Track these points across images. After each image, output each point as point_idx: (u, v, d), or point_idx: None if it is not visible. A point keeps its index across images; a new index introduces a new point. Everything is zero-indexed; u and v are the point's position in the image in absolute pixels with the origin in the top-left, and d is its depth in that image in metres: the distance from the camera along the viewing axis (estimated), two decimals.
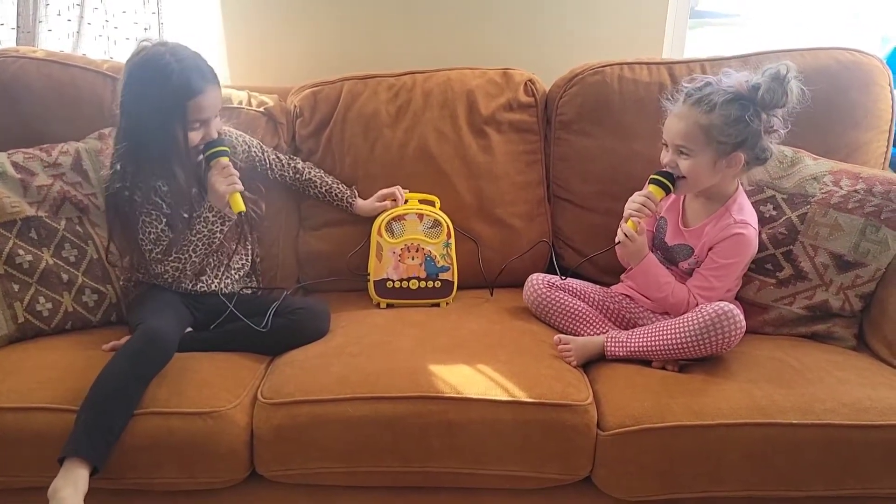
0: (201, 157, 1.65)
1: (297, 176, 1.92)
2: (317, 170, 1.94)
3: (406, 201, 1.91)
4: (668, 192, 1.62)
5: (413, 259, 1.87)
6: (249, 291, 1.81)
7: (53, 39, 2.12)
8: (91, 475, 1.33)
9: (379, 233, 1.87)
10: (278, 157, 1.91)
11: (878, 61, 1.89)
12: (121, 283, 1.75)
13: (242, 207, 1.62)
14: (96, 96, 1.88)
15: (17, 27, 2.12)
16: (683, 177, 1.60)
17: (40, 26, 2.09)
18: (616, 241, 1.63)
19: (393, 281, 1.86)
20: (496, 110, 1.96)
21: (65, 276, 1.69)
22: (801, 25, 2.79)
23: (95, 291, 1.73)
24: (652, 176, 1.63)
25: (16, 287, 1.65)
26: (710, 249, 1.64)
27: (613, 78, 1.92)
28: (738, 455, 1.39)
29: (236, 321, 1.64)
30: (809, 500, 1.45)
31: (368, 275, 1.88)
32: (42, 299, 1.67)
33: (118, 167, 1.63)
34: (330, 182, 1.93)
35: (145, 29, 2.20)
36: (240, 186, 1.62)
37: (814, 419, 1.38)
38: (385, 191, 1.91)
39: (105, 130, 1.84)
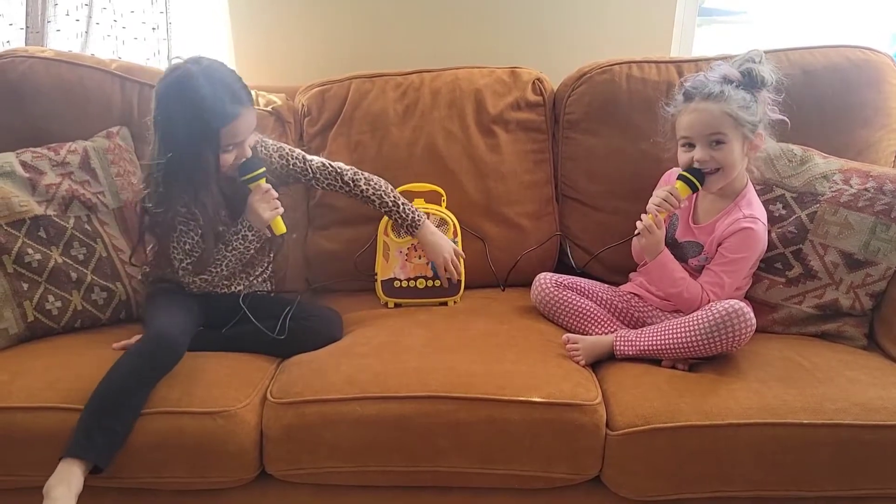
0: (242, 178, 1.62)
1: (349, 189, 1.78)
2: (374, 184, 1.78)
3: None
4: (694, 190, 1.62)
5: (420, 258, 1.86)
6: (263, 292, 1.82)
7: (62, 39, 2.12)
8: (94, 474, 1.34)
9: (385, 233, 1.86)
10: (323, 165, 1.78)
11: (888, 59, 1.88)
12: (139, 277, 1.76)
13: (284, 229, 1.65)
14: (105, 96, 1.88)
15: (26, 27, 2.12)
16: (716, 170, 1.61)
17: (49, 26, 2.10)
18: (635, 232, 1.64)
19: (400, 280, 1.86)
20: (504, 109, 1.96)
21: (74, 275, 1.70)
22: (810, 22, 2.77)
23: (104, 289, 1.73)
24: (681, 173, 1.64)
25: (25, 286, 1.65)
26: (719, 245, 1.64)
27: (622, 76, 1.92)
28: (747, 455, 1.39)
29: (249, 322, 1.64)
30: (820, 500, 1.44)
31: (376, 275, 1.88)
32: (51, 298, 1.67)
33: (153, 183, 1.60)
34: (389, 203, 1.77)
35: (153, 29, 2.20)
36: (281, 210, 1.65)
37: (824, 419, 1.38)
38: (448, 260, 1.81)
39: (113, 129, 1.84)
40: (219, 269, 1.67)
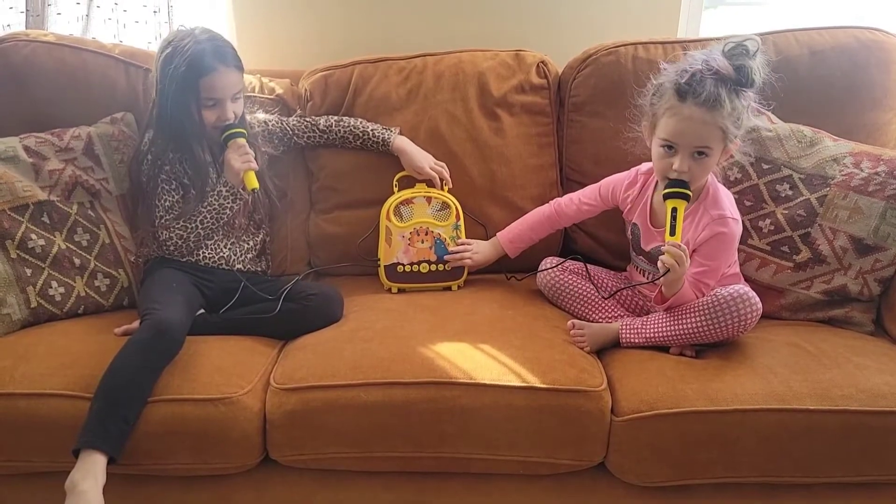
0: (222, 137, 1.68)
1: (326, 135, 1.89)
2: (344, 122, 1.89)
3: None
4: (688, 199, 1.52)
5: (423, 242, 1.85)
6: (258, 272, 1.82)
7: (63, 23, 2.11)
8: (107, 465, 1.33)
9: (387, 217, 1.85)
10: (298, 121, 1.91)
11: None
12: (132, 258, 1.76)
13: (256, 185, 1.65)
14: (109, 81, 1.87)
15: (26, 10, 2.11)
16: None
17: (49, 9, 2.08)
18: (664, 271, 1.48)
19: (403, 265, 1.85)
20: (508, 92, 1.94)
21: (77, 261, 1.70)
22: (816, 6, 2.73)
23: (107, 276, 1.73)
24: (667, 191, 1.51)
25: (28, 271, 1.65)
26: (694, 251, 1.57)
27: (628, 58, 1.89)
28: (753, 441, 1.38)
29: (248, 303, 1.65)
30: (825, 486, 1.44)
31: (378, 260, 1.87)
32: (55, 284, 1.67)
33: (147, 137, 1.72)
34: (360, 133, 1.87)
35: (154, 12, 2.18)
36: (254, 165, 1.66)
37: (831, 405, 1.37)
38: (435, 168, 1.87)
39: (118, 115, 1.84)
40: (194, 225, 1.68)
